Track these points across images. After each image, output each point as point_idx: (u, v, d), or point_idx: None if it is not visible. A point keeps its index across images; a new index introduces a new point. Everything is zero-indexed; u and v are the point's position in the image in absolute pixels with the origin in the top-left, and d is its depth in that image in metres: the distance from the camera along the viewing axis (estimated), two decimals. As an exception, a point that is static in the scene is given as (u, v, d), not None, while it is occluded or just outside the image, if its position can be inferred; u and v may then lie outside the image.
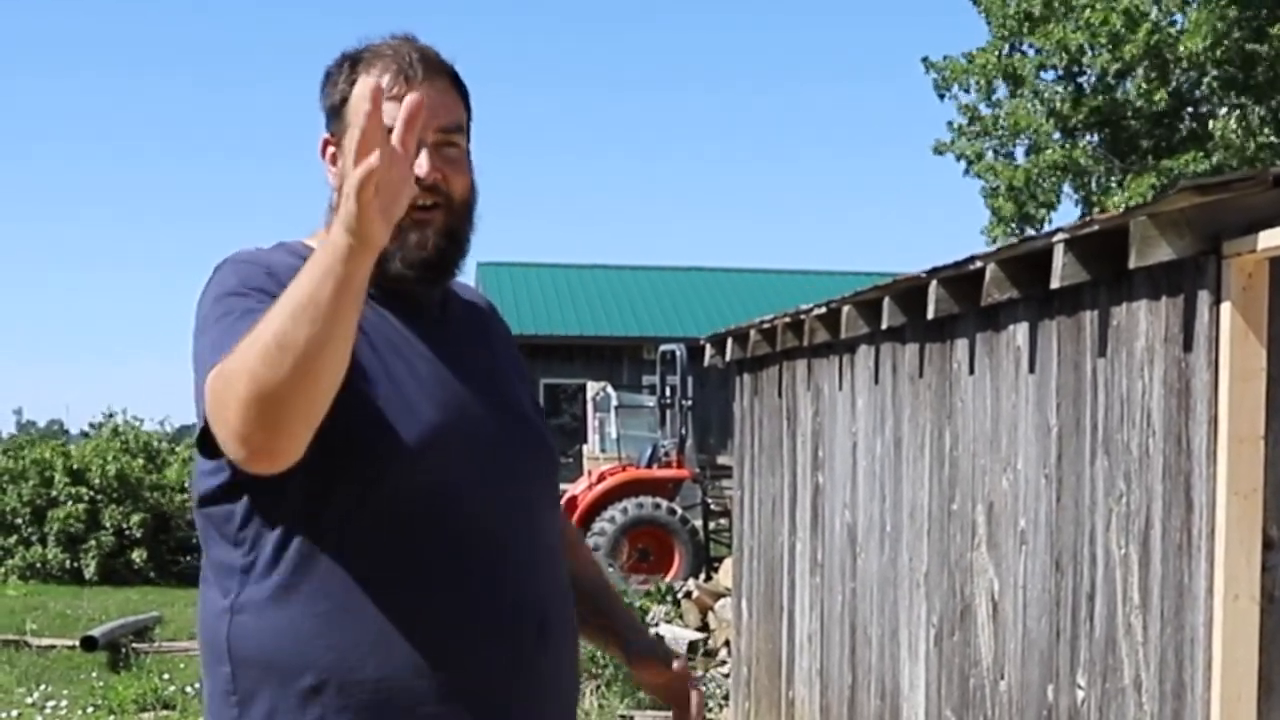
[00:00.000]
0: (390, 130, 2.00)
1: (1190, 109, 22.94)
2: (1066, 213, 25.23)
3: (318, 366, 1.95)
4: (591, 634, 2.84)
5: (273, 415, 1.97)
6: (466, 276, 2.59)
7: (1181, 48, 21.30)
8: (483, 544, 2.35)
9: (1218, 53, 21.10)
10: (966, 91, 24.53)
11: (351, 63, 2.42)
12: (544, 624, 2.42)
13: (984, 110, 24.62)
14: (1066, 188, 24.08)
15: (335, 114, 2.43)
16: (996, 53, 23.69)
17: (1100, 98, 22.87)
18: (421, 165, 2.32)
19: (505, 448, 2.43)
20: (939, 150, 25.13)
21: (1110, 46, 21.77)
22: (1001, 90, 24.31)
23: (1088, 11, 21.84)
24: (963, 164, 24.81)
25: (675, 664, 2.81)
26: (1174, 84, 22.59)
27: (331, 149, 2.46)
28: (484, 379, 2.47)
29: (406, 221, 2.30)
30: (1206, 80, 22.06)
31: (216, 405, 2.04)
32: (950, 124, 25.06)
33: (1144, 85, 22.06)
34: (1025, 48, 23.80)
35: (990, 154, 24.56)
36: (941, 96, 24.77)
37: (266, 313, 1.99)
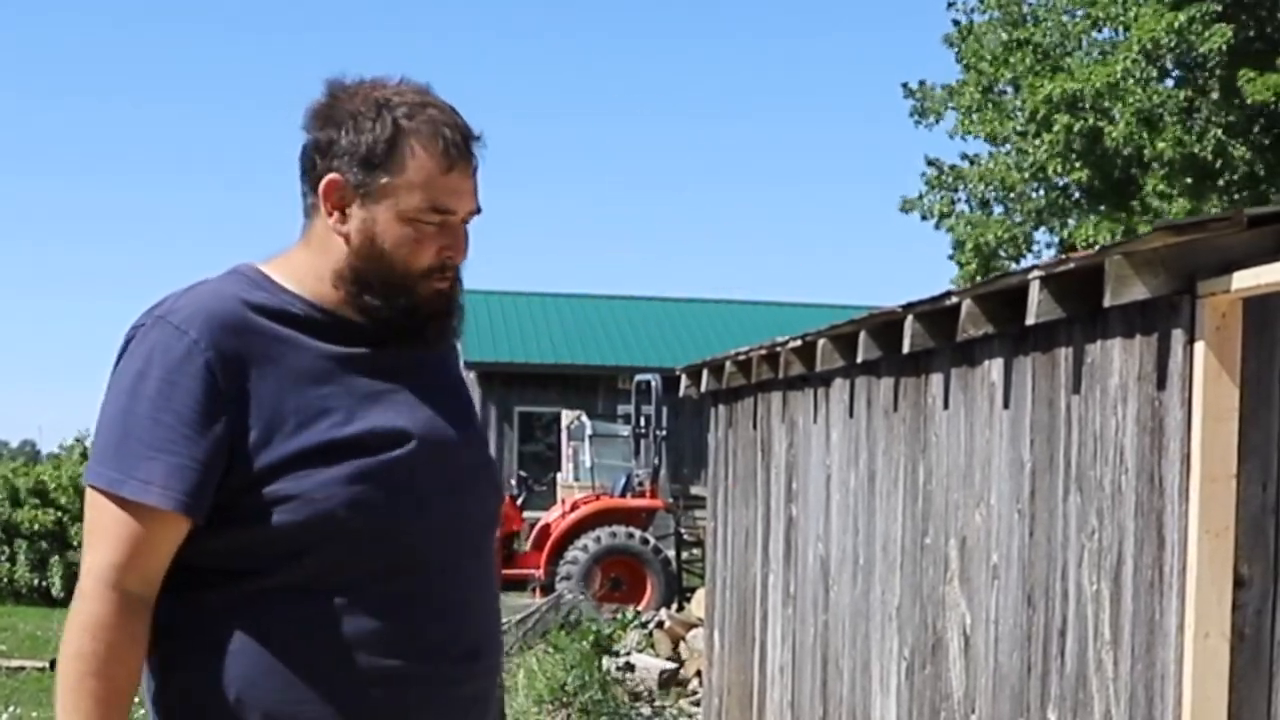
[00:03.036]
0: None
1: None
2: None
3: None
4: None
5: None
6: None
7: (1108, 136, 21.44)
8: (421, 577, 2.36)
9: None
10: (937, 122, 24.55)
11: (389, 112, 2.32)
12: (476, 653, 2.44)
13: (959, 162, 24.70)
14: (1040, 235, 24.17)
15: (366, 164, 2.32)
16: (977, 87, 23.72)
17: (1082, 143, 22.90)
18: (462, 251, 2.39)
19: (464, 489, 2.44)
20: (905, 208, 25.13)
21: (1094, 102, 21.78)
22: (979, 145, 24.45)
23: (1074, 64, 21.94)
24: (930, 221, 24.84)
25: None
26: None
27: (340, 194, 2.35)
28: (439, 415, 2.46)
29: (429, 295, 2.37)
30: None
31: (74, 611, 2.25)
32: (923, 175, 25.13)
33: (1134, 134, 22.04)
34: (1004, 88, 23.86)
35: (963, 205, 24.54)
36: (918, 123, 24.87)
37: (73, 696, 2.22)
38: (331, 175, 2.34)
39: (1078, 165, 21.93)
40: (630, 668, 11.66)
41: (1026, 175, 23.19)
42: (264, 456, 2.25)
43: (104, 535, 2.24)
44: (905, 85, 24.84)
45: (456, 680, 2.39)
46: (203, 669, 2.28)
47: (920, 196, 24.98)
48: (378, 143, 2.31)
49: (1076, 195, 23.69)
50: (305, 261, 2.40)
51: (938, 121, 24.74)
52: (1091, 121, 21.55)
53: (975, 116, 23.77)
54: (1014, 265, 23.64)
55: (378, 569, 2.30)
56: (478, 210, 2.40)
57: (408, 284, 2.34)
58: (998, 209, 24.33)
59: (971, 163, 24.72)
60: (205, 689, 2.28)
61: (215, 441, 2.24)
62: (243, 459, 2.25)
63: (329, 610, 2.28)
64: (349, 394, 2.34)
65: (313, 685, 2.26)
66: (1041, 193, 23.63)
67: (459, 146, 2.33)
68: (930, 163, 25.06)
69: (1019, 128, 22.64)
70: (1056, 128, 21.48)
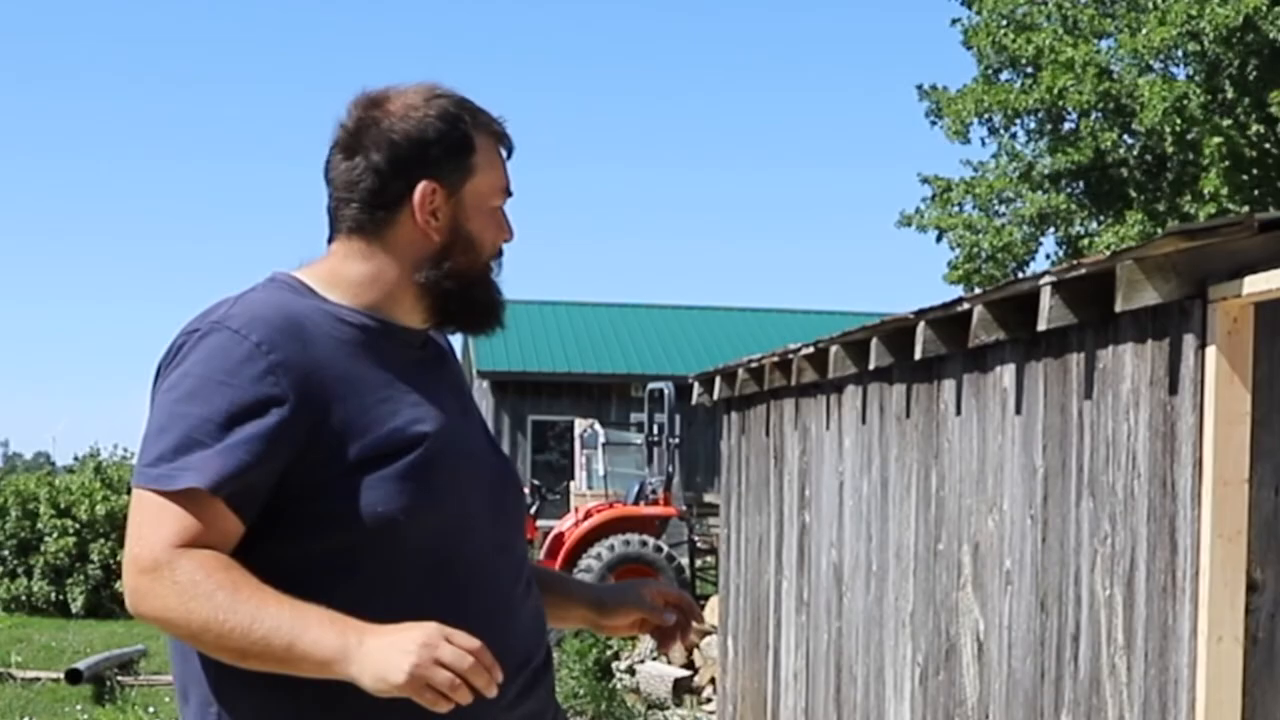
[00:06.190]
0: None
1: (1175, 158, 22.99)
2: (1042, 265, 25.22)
3: (219, 653, 2.18)
4: (557, 611, 2.85)
5: (166, 628, 2.21)
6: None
7: (1138, 121, 21.44)
8: (480, 588, 2.38)
9: (1174, 123, 21.12)
10: (955, 132, 24.57)
11: (456, 111, 2.47)
12: (526, 660, 2.46)
13: (959, 175, 24.81)
14: (1048, 240, 24.21)
15: (453, 165, 2.44)
16: (985, 77, 23.74)
17: (1081, 146, 22.90)
18: (510, 234, 2.55)
19: (495, 490, 2.49)
20: (903, 223, 25.23)
21: (1076, 91, 21.84)
22: (978, 145, 24.56)
23: (1063, 54, 21.98)
24: (927, 234, 24.95)
25: (646, 592, 2.86)
26: (1141, 141, 22.72)
27: (434, 197, 2.44)
28: (468, 421, 2.53)
29: (482, 289, 2.51)
30: (1168, 144, 22.05)
31: (151, 582, 2.17)
32: (923, 198, 25.21)
33: (1103, 132, 22.11)
34: (1009, 77, 23.91)
35: (968, 210, 24.55)
36: (933, 124, 24.91)
37: (233, 590, 2.13)
38: (425, 182, 2.43)
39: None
40: (642, 675, 11.66)
41: (1032, 175, 23.27)
42: (322, 461, 2.27)
43: (156, 524, 2.19)
44: (920, 86, 24.89)
45: (509, 698, 2.36)
46: (258, 685, 2.25)
47: (918, 211, 25.09)
48: (455, 142, 2.45)
49: (1074, 202, 23.70)
50: (361, 270, 2.45)
51: (948, 131, 24.74)
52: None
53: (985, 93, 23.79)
54: (1016, 271, 23.74)
55: (430, 576, 2.32)
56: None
57: (485, 267, 2.51)
58: (1000, 214, 24.32)
59: (975, 169, 24.76)
60: (261, 705, 2.28)
61: (275, 443, 2.23)
62: (301, 463, 2.26)
63: (386, 621, 2.20)
64: (401, 400, 2.37)
65: (358, 697, 2.17)
66: (1042, 195, 23.61)
67: (506, 135, 2.54)
68: (925, 180, 25.16)
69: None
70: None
